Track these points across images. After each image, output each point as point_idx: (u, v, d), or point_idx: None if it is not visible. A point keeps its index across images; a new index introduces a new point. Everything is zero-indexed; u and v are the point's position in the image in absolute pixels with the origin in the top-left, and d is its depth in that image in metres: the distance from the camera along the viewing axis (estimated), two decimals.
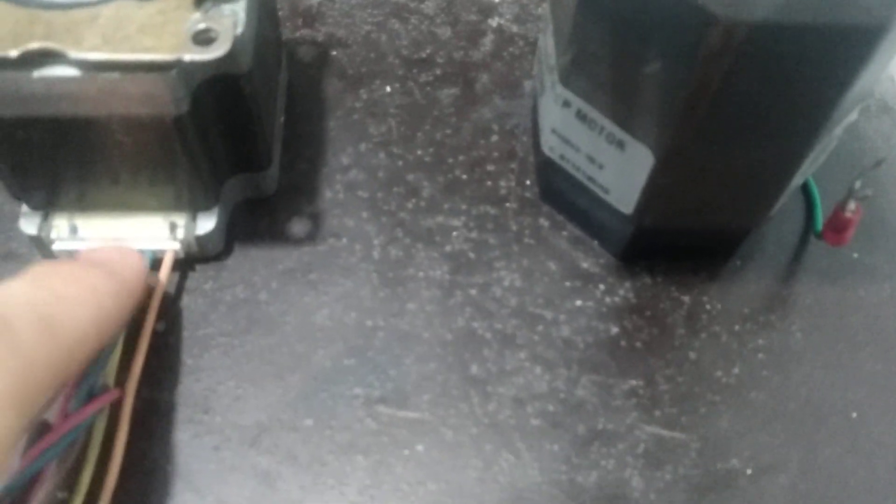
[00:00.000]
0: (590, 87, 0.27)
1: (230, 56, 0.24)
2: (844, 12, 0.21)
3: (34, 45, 0.24)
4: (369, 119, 0.34)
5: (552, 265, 0.31)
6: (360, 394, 0.28)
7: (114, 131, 0.26)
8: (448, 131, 0.34)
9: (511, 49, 0.37)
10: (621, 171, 0.28)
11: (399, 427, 0.28)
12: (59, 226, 0.29)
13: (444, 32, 0.37)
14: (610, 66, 0.25)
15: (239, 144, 0.29)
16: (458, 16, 0.38)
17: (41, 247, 0.30)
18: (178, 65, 0.24)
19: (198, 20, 0.24)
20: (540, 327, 0.30)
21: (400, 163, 0.33)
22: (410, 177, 0.33)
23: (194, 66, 0.24)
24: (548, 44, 0.29)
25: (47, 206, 0.29)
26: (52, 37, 0.24)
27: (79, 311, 0.23)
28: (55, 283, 0.23)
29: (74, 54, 0.24)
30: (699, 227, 0.30)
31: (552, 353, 0.29)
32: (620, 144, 0.27)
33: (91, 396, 0.26)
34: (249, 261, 0.31)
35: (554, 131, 0.29)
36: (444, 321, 0.30)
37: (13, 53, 0.23)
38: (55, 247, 0.29)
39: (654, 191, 0.27)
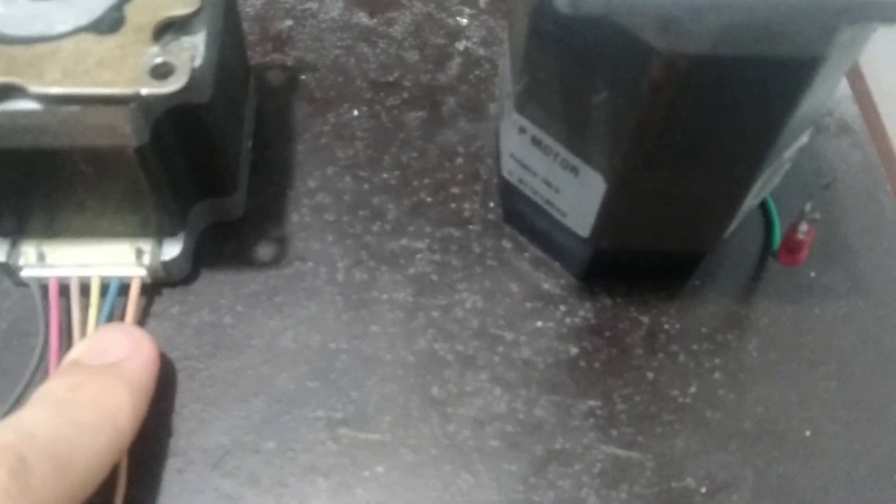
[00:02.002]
0: (543, 115, 0.27)
1: (188, 88, 0.25)
2: (780, 45, 0.22)
3: None
4: (336, 142, 0.35)
5: (514, 286, 0.32)
6: (323, 416, 0.29)
7: (77, 162, 0.27)
8: (414, 154, 0.35)
9: (477, 72, 0.37)
10: (576, 196, 0.28)
11: (360, 449, 0.28)
12: (27, 252, 0.30)
13: (412, 56, 0.38)
14: (560, 95, 0.26)
15: (203, 171, 0.30)
16: (425, 39, 0.38)
17: (10, 273, 0.30)
18: (135, 98, 0.24)
19: (155, 54, 0.25)
20: (501, 348, 0.30)
21: (366, 186, 0.34)
22: (376, 200, 0.34)
23: (152, 98, 0.25)
24: (506, 70, 0.30)
25: (15, 233, 0.30)
26: (13, 71, 0.24)
27: (96, 443, 0.24)
28: (77, 414, 0.24)
29: (35, 88, 0.24)
30: (655, 250, 0.30)
31: (512, 374, 0.30)
32: (574, 170, 0.27)
33: None
34: (216, 285, 0.31)
35: (512, 156, 0.30)
36: (407, 343, 0.30)
37: None
38: (23, 273, 0.30)
39: (607, 214, 0.28)
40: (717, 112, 0.24)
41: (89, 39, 0.25)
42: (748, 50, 0.22)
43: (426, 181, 0.34)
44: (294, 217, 0.33)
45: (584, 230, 0.29)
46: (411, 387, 0.30)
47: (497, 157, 0.34)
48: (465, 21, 0.39)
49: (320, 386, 0.29)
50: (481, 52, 0.38)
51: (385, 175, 0.34)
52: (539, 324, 0.31)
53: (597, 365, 0.30)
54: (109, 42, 0.25)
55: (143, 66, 0.25)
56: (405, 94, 0.37)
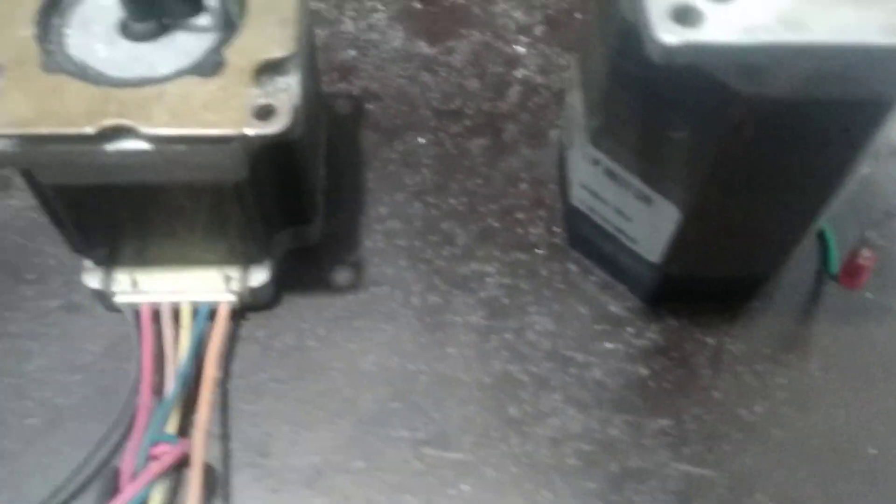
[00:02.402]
0: (619, 149, 0.28)
1: (288, 127, 0.26)
2: (853, 89, 0.23)
3: (108, 122, 0.25)
4: (404, 169, 0.36)
5: (582, 309, 0.33)
6: (407, 436, 0.30)
7: (177, 196, 0.28)
8: (479, 181, 0.36)
9: (536, 99, 0.39)
10: (649, 224, 0.30)
11: (444, 468, 0.30)
12: (121, 280, 0.31)
13: (472, 84, 0.39)
14: (639, 131, 0.27)
15: (288, 200, 0.31)
16: (485, 68, 0.40)
17: (104, 299, 0.32)
18: (240, 138, 0.26)
19: (257, 96, 0.26)
20: (573, 369, 0.32)
21: (435, 212, 0.35)
22: (445, 225, 0.35)
23: (255, 139, 0.26)
24: (576, 103, 0.31)
25: (109, 261, 0.31)
26: (124, 113, 0.26)
27: None
28: None
29: (145, 130, 0.25)
30: (723, 274, 0.31)
31: (585, 395, 0.31)
32: (648, 200, 0.29)
33: (153, 444, 0.28)
34: (297, 309, 0.33)
35: (583, 185, 0.31)
36: (482, 365, 0.32)
37: (89, 130, 0.25)
38: (117, 300, 0.31)
39: (680, 242, 0.29)
40: (793, 148, 0.25)
41: (193, 82, 0.26)
42: (826, 93, 0.23)
43: (492, 207, 0.35)
44: (367, 243, 0.34)
45: (654, 256, 0.30)
46: (489, 407, 0.31)
47: (562, 183, 0.35)
48: (521, 49, 0.40)
49: (402, 407, 0.31)
50: (539, 79, 0.39)
51: (452, 201, 0.36)
52: (608, 345, 0.32)
53: (666, 385, 0.31)
54: (212, 84, 0.26)
55: (247, 108, 0.26)
56: (468, 122, 0.38)
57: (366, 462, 0.30)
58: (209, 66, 0.27)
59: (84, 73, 0.27)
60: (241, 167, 0.27)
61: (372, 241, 0.34)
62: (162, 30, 0.28)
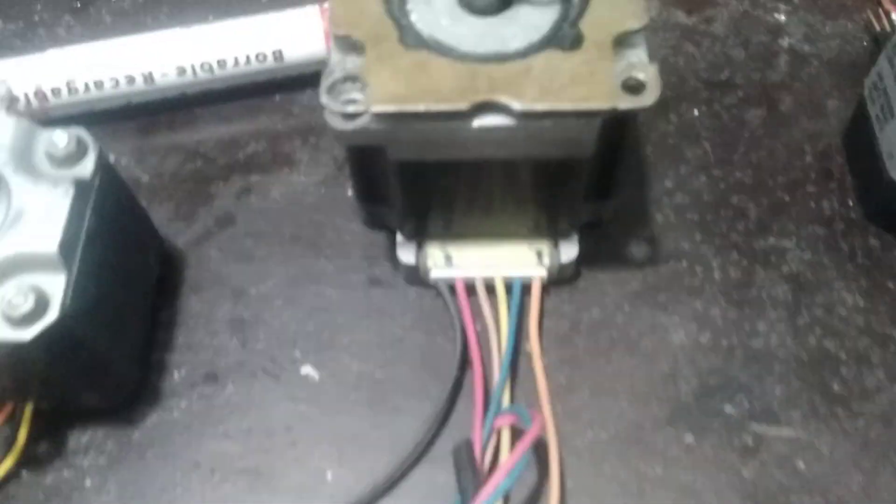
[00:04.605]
0: None
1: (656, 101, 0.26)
2: None
3: (480, 98, 0.25)
4: (683, 142, 0.36)
5: (891, 284, 0.32)
6: (732, 412, 0.30)
7: (518, 170, 0.28)
8: (762, 153, 0.35)
9: (807, 69, 0.38)
10: None
11: (776, 443, 0.29)
12: (434, 255, 0.31)
13: (738, 54, 0.38)
14: None
15: (602, 175, 0.31)
16: (748, 37, 0.39)
17: (413, 275, 0.32)
18: (610, 113, 0.25)
19: (624, 69, 0.26)
20: (892, 347, 0.31)
21: (722, 185, 0.35)
22: (734, 198, 0.34)
23: (626, 113, 0.26)
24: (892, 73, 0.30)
25: (419, 236, 0.32)
26: (495, 89, 0.25)
27: None
28: None
29: (517, 105, 0.25)
30: None
31: None
32: None
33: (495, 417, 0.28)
34: (598, 284, 0.33)
35: None
36: (796, 340, 0.31)
37: (463, 106, 0.25)
38: (432, 275, 0.31)
39: None
40: None
41: (556, 57, 0.26)
42: None
43: (780, 179, 0.35)
44: (658, 217, 0.34)
45: None
46: (811, 384, 0.30)
47: (856, 155, 0.34)
48: (782, 18, 0.39)
49: (722, 382, 0.30)
50: (806, 48, 0.38)
51: (738, 174, 0.35)
52: None
53: None
54: (575, 59, 0.26)
55: (615, 82, 0.26)
56: (740, 93, 0.37)
57: (695, 437, 0.29)
58: (568, 39, 0.26)
59: (440, 49, 0.27)
60: (593, 143, 0.27)
61: (662, 216, 0.34)
62: (504, 3, 0.28)
